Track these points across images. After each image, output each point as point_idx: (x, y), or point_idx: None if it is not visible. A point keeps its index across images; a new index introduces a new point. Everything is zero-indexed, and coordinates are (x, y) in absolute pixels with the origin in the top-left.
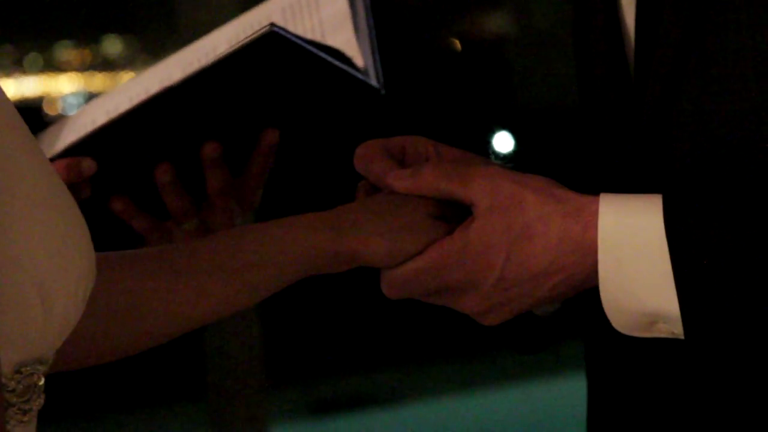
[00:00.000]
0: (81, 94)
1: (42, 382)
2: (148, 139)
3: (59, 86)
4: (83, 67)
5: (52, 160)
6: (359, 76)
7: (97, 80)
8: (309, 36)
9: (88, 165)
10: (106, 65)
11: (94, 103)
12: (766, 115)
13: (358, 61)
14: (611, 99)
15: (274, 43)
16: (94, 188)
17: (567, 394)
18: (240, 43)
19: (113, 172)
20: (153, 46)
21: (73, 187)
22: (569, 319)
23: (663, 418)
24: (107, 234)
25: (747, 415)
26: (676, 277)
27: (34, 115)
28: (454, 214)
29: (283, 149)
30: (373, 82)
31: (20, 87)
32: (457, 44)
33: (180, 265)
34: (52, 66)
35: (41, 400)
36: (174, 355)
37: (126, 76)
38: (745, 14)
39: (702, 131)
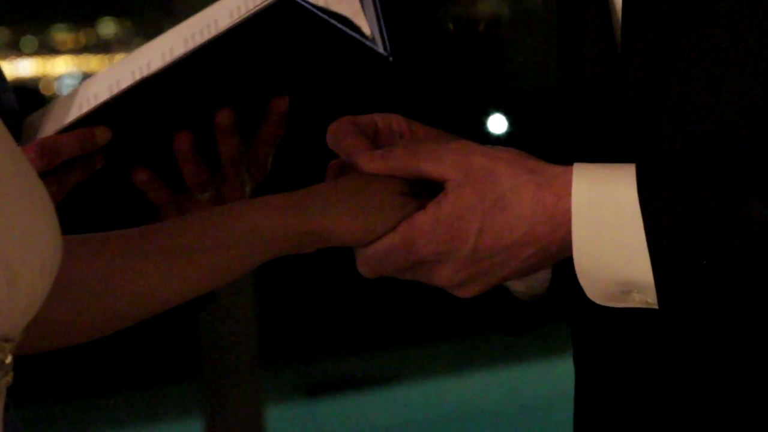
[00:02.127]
0: (76, 75)
1: (9, 360)
2: (161, 110)
3: (55, 68)
4: (79, 49)
5: (63, 131)
6: (368, 43)
7: (93, 62)
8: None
9: (102, 133)
10: (102, 47)
11: (99, 76)
12: (750, 95)
13: (366, 29)
14: (596, 78)
15: (288, 9)
16: (107, 160)
17: (558, 375)
18: (254, 9)
19: (126, 142)
20: (148, 28)
21: (86, 158)
22: (555, 302)
23: (651, 399)
24: (118, 207)
25: (729, 390)
26: (650, 246)
27: (30, 97)
28: (424, 191)
29: (292, 118)
30: (381, 49)
31: (16, 69)
32: (450, 26)
33: (149, 246)
34: (47, 48)
35: (9, 378)
36: (168, 335)
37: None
38: None
39: (687, 109)
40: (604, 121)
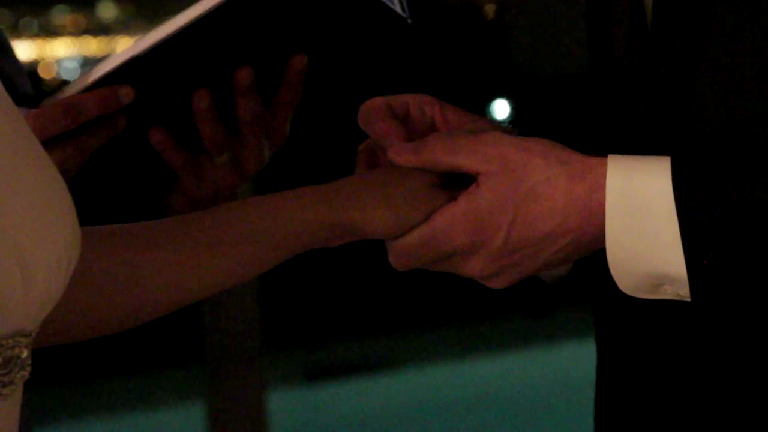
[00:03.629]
0: (76, 58)
1: (25, 354)
2: (182, 69)
3: (54, 50)
4: (78, 32)
5: (86, 91)
6: (387, 2)
7: (92, 45)
8: None
9: (126, 92)
10: (101, 30)
11: (122, 51)
12: None
13: None
14: (627, 59)
15: None
16: (129, 122)
17: (561, 362)
18: None
19: (147, 103)
20: (148, 10)
21: (108, 119)
22: (577, 285)
23: (673, 384)
24: (136, 170)
25: (755, 379)
26: (683, 239)
27: (29, 80)
28: (456, 182)
29: (310, 82)
30: (399, 10)
31: (15, 51)
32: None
33: (178, 237)
34: (47, 30)
35: (25, 373)
36: (171, 320)
37: (121, 41)
38: None
39: (720, 93)
40: (633, 108)
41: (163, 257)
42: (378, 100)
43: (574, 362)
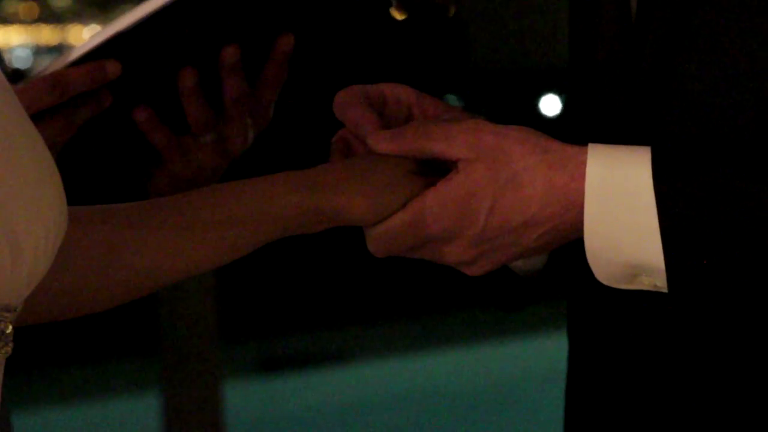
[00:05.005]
0: (28, 46)
1: (10, 330)
2: (168, 45)
3: (7, 38)
4: (31, 20)
5: (73, 65)
6: None
7: (45, 33)
8: None
9: (113, 67)
10: (54, 18)
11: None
12: (762, 81)
13: None
14: (610, 52)
15: None
16: (114, 99)
17: (518, 356)
18: None
19: (132, 80)
20: None
21: (95, 95)
22: (551, 279)
23: (644, 378)
24: (121, 150)
25: (729, 374)
26: (662, 230)
27: None
28: (434, 170)
29: (296, 61)
30: None
31: None
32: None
33: (156, 219)
34: None
35: (8, 348)
36: (127, 309)
37: (73, 29)
38: None
39: (702, 86)
40: (615, 101)
41: (142, 239)
42: (354, 89)
43: (543, 356)
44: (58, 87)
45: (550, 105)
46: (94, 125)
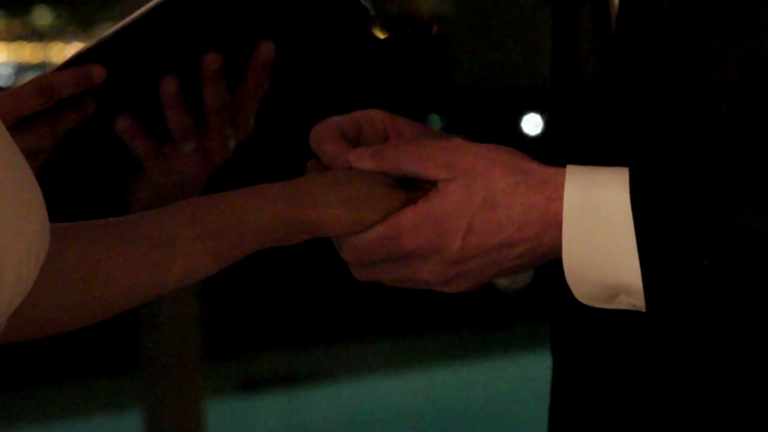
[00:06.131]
0: (10, 64)
1: None
2: (148, 55)
3: None
4: (12, 38)
5: (58, 70)
6: None
7: (27, 51)
8: None
9: (98, 72)
10: (36, 36)
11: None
12: (743, 99)
13: None
14: (591, 72)
15: None
16: (96, 108)
17: (498, 375)
18: None
19: (115, 89)
20: (83, 17)
21: (79, 101)
22: (536, 298)
23: (628, 397)
24: (105, 158)
25: (712, 391)
26: (640, 251)
27: None
28: (414, 184)
29: (277, 70)
30: (365, 3)
31: None
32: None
33: (136, 234)
34: None
35: None
36: (107, 326)
37: (56, 47)
38: None
39: (683, 106)
40: (597, 120)
41: (121, 254)
42: (328, 122)
43: (527, 374)
44: (46, 91)
45: (532, 124)
46: (77, 134)
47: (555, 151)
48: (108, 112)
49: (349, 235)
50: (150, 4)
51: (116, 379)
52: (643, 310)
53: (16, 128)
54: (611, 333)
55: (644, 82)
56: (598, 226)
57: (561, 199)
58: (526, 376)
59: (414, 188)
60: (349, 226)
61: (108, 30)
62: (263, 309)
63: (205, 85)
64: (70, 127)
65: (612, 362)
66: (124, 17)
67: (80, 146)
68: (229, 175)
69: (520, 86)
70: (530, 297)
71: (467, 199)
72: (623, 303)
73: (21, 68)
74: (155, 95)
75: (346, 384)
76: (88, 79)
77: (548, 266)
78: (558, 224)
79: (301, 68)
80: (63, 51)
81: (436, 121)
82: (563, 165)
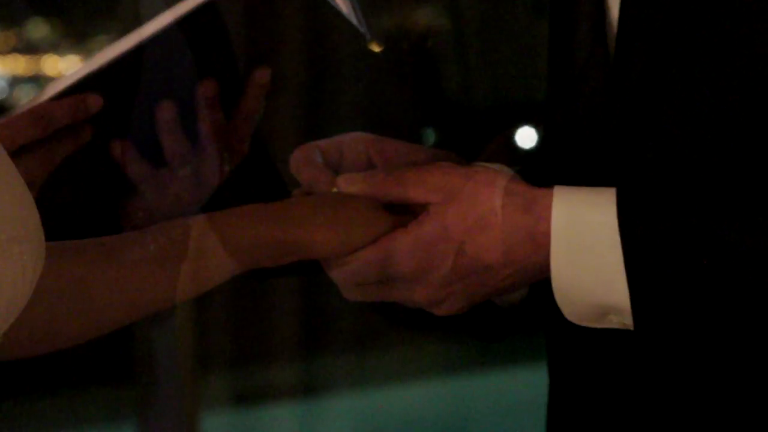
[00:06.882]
0: (4, 77)
1: None
2: (145, 81)
3: None
4: (6, 50)
5: (53, 99)
6: (352, 20)
7: (21, 63)
8: None
9: (94, 101)
10: (30, 48)
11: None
12: (749, 113)
13: (343, 8)
14: (587, 89)
15: None
16: (93, 133)
17: (491, 388)
18: None
19: (112, 113)
20: (78, 29)
21: (75, 129)
22: (531, 311)
23: (624, 411)
24: (101, 181)
25: (706, 402)
26: (627, 271)
27: None
28: (400, 207)
29: (272, 94)
30: (360, 27)
31: None
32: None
33: (127, 254)
34: None
35: None
36: (101, 337)
37: (50, 60)
38: (737, 5)
39: (680, 125)
40: (591, 138)
41: (111, 274)
42: (309, 147)
43: (523, 387)
44: (41, 121)
45: (527, 139)
46: (73, 157)
47: (550, 168)
48: (104, 136)
49: (338, 256)
50: (147, 32)
51: (111, 391)
52: (632, 329)
53: (12, 156)
54: (607, 346)
55: (643, 97)
56: (586, 246)
57: (549, 219)
58: (523, 389)
59: (401, 211)
60: (337, 247)
61: (103, 50)
62: (260, 321)
63: (200, 110)
64: (65, 155)
65: (608, 375)
66: (119, 31)
67: (76, 169)
68: (226, 195)
69: (516, 101)
70: (526, 310)
71: (457, 222)
72: (613, 322)
73: (15, 80)
74: (151, 120)
75: (345, 397)
76: (84, 108)
77: (543, 280)
78: (546, 245)
79: (296, 87)
80: (57, 64)
81: (429, 134)
82: (560, 178)
